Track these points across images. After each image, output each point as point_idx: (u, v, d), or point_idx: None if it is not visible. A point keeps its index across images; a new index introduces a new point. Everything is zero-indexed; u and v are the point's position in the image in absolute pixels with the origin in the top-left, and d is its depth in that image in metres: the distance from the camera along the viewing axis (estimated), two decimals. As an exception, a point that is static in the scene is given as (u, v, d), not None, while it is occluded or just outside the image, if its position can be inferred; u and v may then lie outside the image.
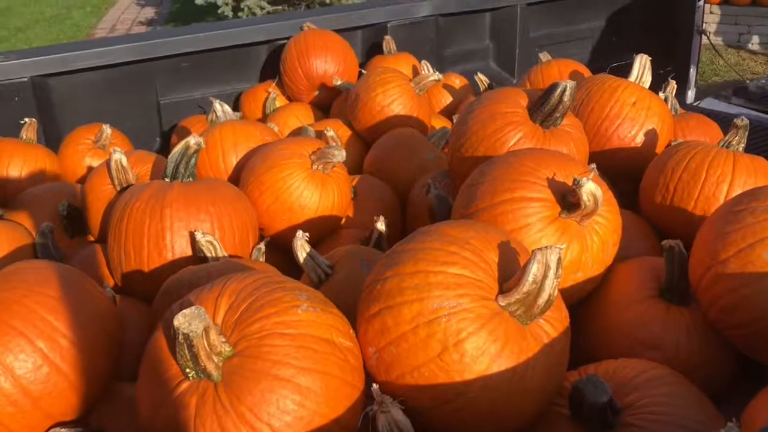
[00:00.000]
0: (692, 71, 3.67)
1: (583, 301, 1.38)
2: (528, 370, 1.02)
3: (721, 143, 1.63)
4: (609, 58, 3.57)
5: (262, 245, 1.53)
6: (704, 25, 8.24)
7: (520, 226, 1.26)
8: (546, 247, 0.99)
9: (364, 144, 2.21)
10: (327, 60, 2.47)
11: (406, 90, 2.19)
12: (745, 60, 7.30)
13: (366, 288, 1.09)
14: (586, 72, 2.26)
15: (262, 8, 7.42)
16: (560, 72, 2.21)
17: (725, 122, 3.46)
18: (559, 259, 1.00)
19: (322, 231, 1.66)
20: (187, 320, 0.90)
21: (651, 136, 1.82)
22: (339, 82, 2.43)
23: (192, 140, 1.51)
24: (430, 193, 1.61)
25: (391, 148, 2.04)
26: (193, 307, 0.91)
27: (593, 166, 1.69)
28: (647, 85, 1.93)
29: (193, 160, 1.51)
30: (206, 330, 0.90)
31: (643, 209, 1.69)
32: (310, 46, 2.48)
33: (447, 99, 2.62)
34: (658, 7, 3.54)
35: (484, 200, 1.31)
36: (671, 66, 3.61)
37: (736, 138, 1.62)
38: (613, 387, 1.08)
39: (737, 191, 1.50)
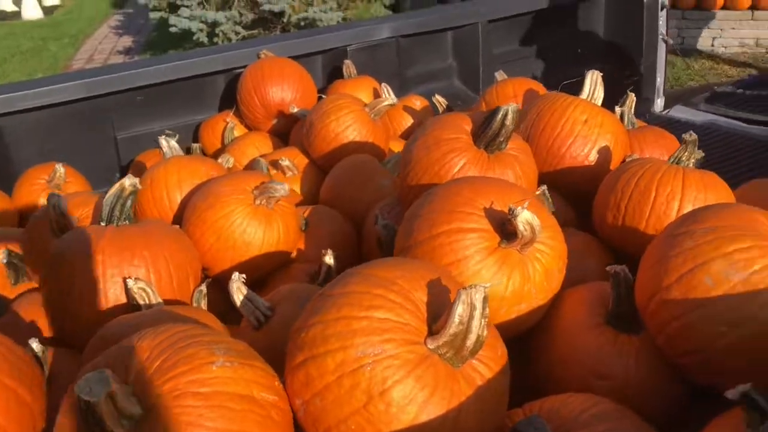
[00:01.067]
0: (659, 80, 3.66)
1: (533, 330, 1.34)
2: (461, 415, 0.97)
3: (672, 159, 1.60)
4: (575, 71, 3.54)
5: (203, 287, 1.48)
6: (679, 30, 8.31)
7: (459, 258, 1.22)
8: (471, 285, 0.95)
9: (321, 172, 2.17)
10: (283, 87, 2.44)
11: (360, 116, 2.16)
12: (720, 64, 7.33)
13: (291, 336, 1.05)
14: (542, 90, 2.23)
15: (237, 33, 7.41)
16: (515, 91, 2.19)
17: (693, 130, 3.46)
18: (485, 297, 0.95)
19: (269, 267, 1.62)
20: (88, 385, 0.85)
21: (604, 154, 1.79)
22: (295, 110, 2.40)
23: (127, 182, 1.46)
24: (378, 223, 1.57)
25: (344, 176, 2.01)
26: (96, 371, 0.86)
27: (543, 188, 1.67)
28: (599, 101, 1.91)
29: (129, 203, 1.47)
30: (110, 395, 0.86)
31: (598, 230, 1.65)
32: (266, 75, 2.45)
33: (408, 121, 2.59)
34: (622, 18, 3.54)
35: (422, 233, 1.27)
36: (638, 75, 3.61)
37: (686, 153, 1.59)
38: (557, 425, 1.04)
39: (688, 208, 1.47)
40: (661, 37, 3.60)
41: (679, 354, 1.15)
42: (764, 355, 1.07)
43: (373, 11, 8.00)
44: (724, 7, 7.50)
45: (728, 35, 7.58)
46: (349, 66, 2.76)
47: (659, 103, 3.76)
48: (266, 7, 7.21)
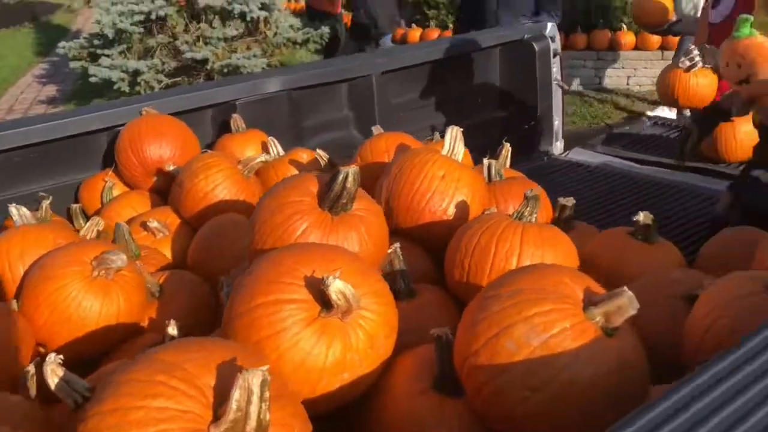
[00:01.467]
0: (556, 123, 3.77)
1: (365, 397, 1.32)
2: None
3: (515, 215, 1.63)
4: (472, 117, 3.64)
5: (31, 367, 1.41)
6: (596, 70, 8.59)
7: (276, 331, 1.20)
8: (249, 370, 0.93)
9: (194, 232, 2.13)
10: (161, 145, 2.41)
11: (231, 173, 2.14)
12: (635, 102, 7.66)
13: (76, 425, 1.00)
14: (414, 143, 2.26)
15: (159, 81, 7.36)
16: (387, 146, 2.21)
17: (589, 171, 3.56)
18: (263, 381, 0.93)
19: (111, 340, 1.56)
20: None
21: (461, 208, 1.81)
22: (172, 168, 2.36)
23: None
24: (223, 291, 1.54)
25: (211, 236, 1.97)
26: None
27: (395, 246, 1.67)
28: (460, 156, 1.94)
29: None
30: None
31: (449, 287, 1.66)
32: (143, 132, 2.41)
33: (295, 174, 2.58)
34: (516, 66, 3.65)
35: (242, 305, 1.24)
36: (535, 120, 3.71)
37: (528, 209, 1.62)
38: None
39: (527, 264, 1.49)
40: (555, 82, 3.72)
41: (492, 419, 1.15)
42: (565, 419, 1.07)
43: (299, 57, 8.08)
44: (635, 48, 7.86)
45: (641, 74, 7.94)
46: (237, 120, 2.75)
47: (558, 146, 3.88)
48: (188, 54, 7.20)
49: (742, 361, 0.94)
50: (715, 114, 2.42)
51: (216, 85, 2.92)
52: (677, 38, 6.48)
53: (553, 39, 3.63)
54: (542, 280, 1.17)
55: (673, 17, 6.17)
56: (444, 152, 1.93)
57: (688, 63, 3.66)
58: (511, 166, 3.71)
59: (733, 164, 3.22)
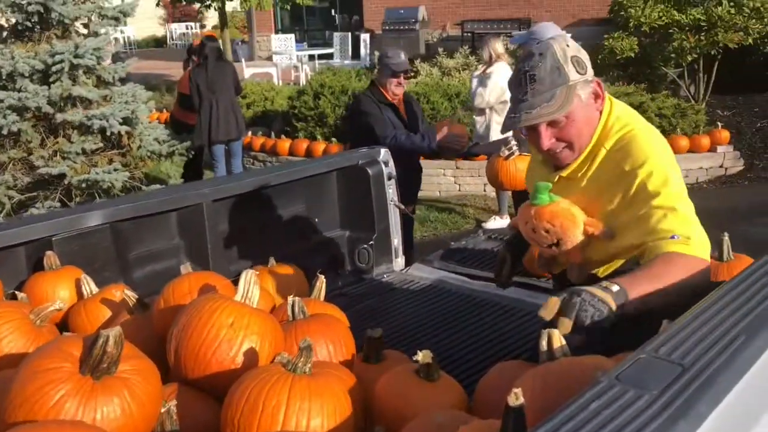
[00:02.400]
0: (395, 241, 3.93)
1: None
2: None
3: (289, 367, 1.65)
4: (311, 239, 3.73)
5: None
6: (455, 178, 9.03)
7: None
8: None
9: (-24, 390, 1.99)
10: (-49, 293, 2.27)
11: (21, 324, 2.04)
12: (491, 207, 8.11)
13: None
14: (221, 283, 2.27)
15: (11, 198, 7.02)
16: (191, 286, 2.20)
17: (426, 288, 3.68)
18: None
19: None
20: None
21: (250, 356, 1.82)
22: (-39, 319, 2.22)
23: None
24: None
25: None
26: None
27: (169, 405, 1.64)
28: (255, 300, 1.96)
29: None
30: None
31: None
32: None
33: (105, 314, 2.50)
34: (353, 188, 3.81)
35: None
36: (373, 240, 3.84)
37: (302, 360, 1.64)
38: None
39: (293, 419, 1.51)
40: (392, 203, 3.91)
41: None
42: None
43: (164, 169, 8.01)
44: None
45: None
46: (50, 257, 2.65)
47: (399, 262, 4.02)
48: (44, 170, 6.96)
49: None
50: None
51: (31, 221, 2.82)
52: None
53: (386, 164, 3.84)
54: None
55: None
56: (238, 297, 1.96)
57: (507, 152, 4.35)
58: (351, 285, 3.81)
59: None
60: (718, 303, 1.49)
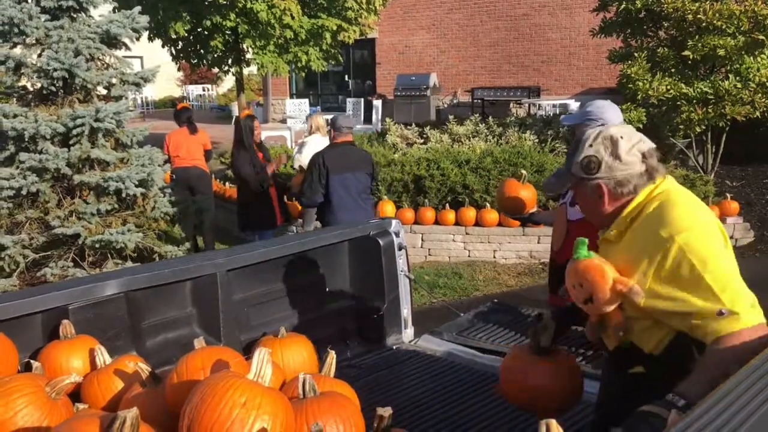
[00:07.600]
0: (405, 311, 3.94)
1: None
2: None
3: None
4: (321, 309, 3.76)
5: None
6: (465, 244, 9.03)
7: None
8: None
9: (-14, 464, 2.00)
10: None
11: (36, 398, 2.06)
12: (501, 274, 8.13)
13: None
14: (234, 358, 2.29)
15: (26, 257, 7.11)
16: (203, 362, 2.22)
17: (435, 360, 3.67)
18: None
19: None
20: None
21: (262, 436, 1.83)
22: (-24, 389, 2.25)
23: None
24: None
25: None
26: None
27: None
28: (267, 379, 1.98)
29: None
30: None
31: None
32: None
33: (118, 386, 2.51)
34: (364, 259, 3.85)
35: None
36: (383, 310, 3.86)
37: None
38: None
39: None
40: (402, 273, 3.94)
41: None
42: None
43: (176, 231, 8.11)
44: (499, 224, 8.47)
45: (506, 248, 8.51)
46: (66, 326, 2.69)
47: (409, 333, 4.02)
48: (59, 230, 7.06)
49: None
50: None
51: (46, 290, 2.87)
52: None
53: (397, 234, 3.89)
54: None
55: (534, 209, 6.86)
56: (251, 376, 1.98)
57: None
58: (361, 356, 3.81)
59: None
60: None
